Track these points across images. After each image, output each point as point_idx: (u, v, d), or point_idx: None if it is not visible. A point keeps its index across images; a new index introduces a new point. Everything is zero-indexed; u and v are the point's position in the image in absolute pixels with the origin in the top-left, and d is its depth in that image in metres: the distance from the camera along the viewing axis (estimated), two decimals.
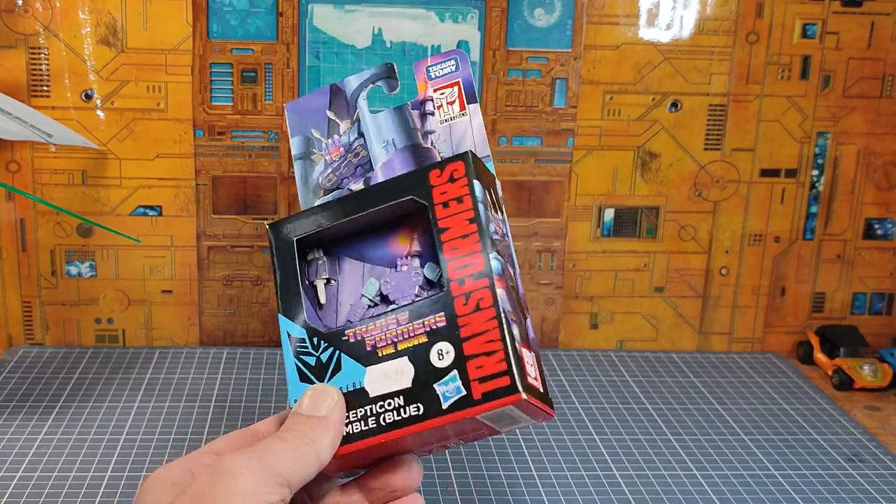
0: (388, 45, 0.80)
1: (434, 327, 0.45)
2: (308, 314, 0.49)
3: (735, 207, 0.86)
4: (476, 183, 0.47)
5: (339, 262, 0.51)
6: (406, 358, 0.45)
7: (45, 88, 0.78)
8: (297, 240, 0.50)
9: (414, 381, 0.44)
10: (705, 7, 0.82)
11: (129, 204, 0.81)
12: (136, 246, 0.82)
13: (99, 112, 0.79)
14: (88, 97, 0.79)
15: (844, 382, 0.82)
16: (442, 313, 0.45)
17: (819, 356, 0.86)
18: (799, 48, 0.83)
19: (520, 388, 0.42)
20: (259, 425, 0.48)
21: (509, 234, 0.49)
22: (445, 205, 0.47)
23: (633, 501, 0.62)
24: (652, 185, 0.85)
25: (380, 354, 0.46)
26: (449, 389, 0.44)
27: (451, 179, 0.47)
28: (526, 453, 0.68)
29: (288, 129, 0.55)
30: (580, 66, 0.82)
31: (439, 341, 0.44)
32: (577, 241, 0.86)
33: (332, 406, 0.45)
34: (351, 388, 0.46)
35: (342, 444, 0.45)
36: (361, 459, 0.46)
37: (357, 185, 0.52)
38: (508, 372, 0.43)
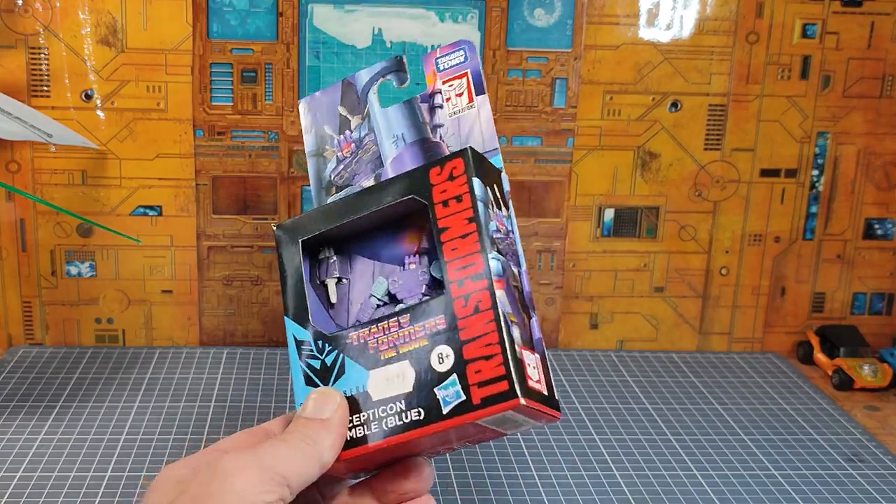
0: (388, 45, 0.80)
1: (434, 330, 0.44)
2: (318, 314, 0.49)
3: (735, 207, 0.86)
4: (476, 181, 0.46)
5: (351, 260, 0.51)
6: (407, 361, 0.45)
7: (45, 88, 0.78)
8: (304, 240, 0.49)
9: (415, 385, 0.44)
10: (705, 7, 0.82)
11: (129, 204, 0.81)
12: (136, 246, 0.82)
13: (99, 112, 0.79)
14: (88, 97, 0.79)
15: (844, 382, 0.82)
16: (442, 316, 0.44)
17: (819, 356, 0.86)
18: (799, 48, 0.83)
19: (518, 392, 0.42)
20: (268, 424, 0.48)
21: (516, 231, 0.48)
22: (445, 204, 0.46)
23: (633, 501, 0.62)
24: (652, 185, 0.85)
25: (382, 358, 0.45)
26: (449, 394, 0.43)
27: (451, 177, 0.46)
28: (526, 453, 0.68)
29: (301, 126, 0.54)
30: (580, 66, 0.82)
31: (439, 345, 0.44)
32: (577, 241, 0.86)
33: (335, 409, 0.45)
34: (354, 392, 0.45)
35: (346, 448, 0.45)
36: (367, 463, 0.46)
37: (368, 182, 0.52)
38: (507, 377, 0.42)
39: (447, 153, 0.50)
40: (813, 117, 0.85)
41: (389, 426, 0.44)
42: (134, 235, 0.81)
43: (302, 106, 0.54)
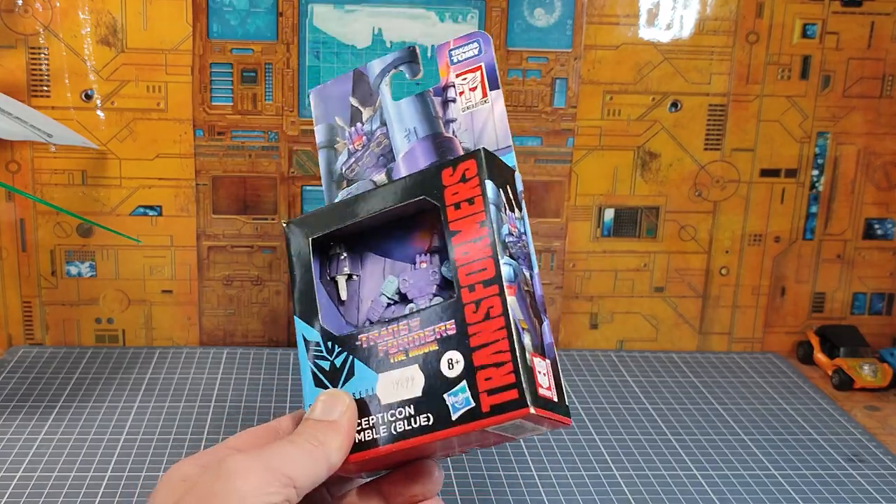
0: (388, 45, 0.80)
1: (444, 335, 0.44)
2: (328, 311, 0.48)
3: (735, 207, 0.86)
4: (489, 183, 0.45)
5: (362, 257, 0.50)
6: (417, 365, 0.44)
7: (45, 88, 0.78)
8: (314, 238, 0.49)
9: (424, 390, 0.44)
10: (705, 7, 0.82)
11: (129, 204, 0.81)
12: (136, 246, 0.82)
13: (99, 112, 0.79)
14: (88, 97, 0.79)
15: (844, 382, 0.82)
16: (452, 321, 0.44)
17: (819, 356, 0.86)
18: (799, 48, 0.83)
19: (528, 401, 0.41)
20: (277, 422, 0.48)
21: (528, 233, 0.48)
22: (457, 206, 0.45)
23: (633, 501, 0.62)
24: (652, 185, 0.85)
25: (392, 361, 0.45)
26: (458, 400, 0.43)
27: (463, 179, 0.46)
28: (526, 453, 0.68)
29: (313, 117, 0.53)
30: (580, 66, 0.82)
31: (449, 350, 0.44)
32: (577, 241, 0.86)
33: (344, 411, 0.45)
34: (363, 395, 0.45)
35: (354, 451, 0.45)
36: (376, 465, 0.46)
37: (379, 176, 0.51)
38: (517, 385, 0.42)
39: (459, 149, 0.50)
40: (813, 117, 0.85)
41: (398, 430, 0.44)
42: (134, 235, 0.81)
43: (312, 96, 0.53)
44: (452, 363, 0.43)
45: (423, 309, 0.45)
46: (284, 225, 0.50)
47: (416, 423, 0.43)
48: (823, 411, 0.77)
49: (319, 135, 0.53)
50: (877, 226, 0.88)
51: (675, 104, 0.83)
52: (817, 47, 0.84)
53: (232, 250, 0.83)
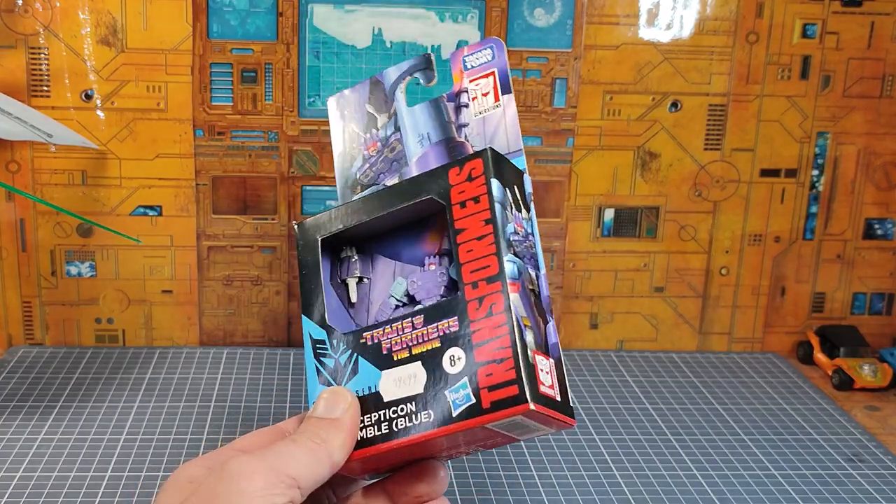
0: (388, 45, 0.80)
1: (447, 332, 0.44)
2: (337, 313, 0.48)
3: (735, 207, 0.86)
4: (494, 182, 0.45)
5: (373, 259, 0.51)
6: (420, 363, 0.44)
7: (45, 88, 0.78)
8: (325, 239, 0.49)
9: (426, 387, 0.44)
10: (705, 7, 0.82)
11: (129, 204, 0.81)
12: (136, 246, 0.82)
13: (99, 112, 0.79)
14: (88, 97, 0.79)
15: (844, 382, 0.82)
16: (455, 318, 0.44)
17: (819, 356, 0.86)
18: (799, 48, 0.83)
19: (528, 398, 0.41)
20: (283, 424, 0.48)
21: (536, 234, 0.48)
22: (463, 205, 0.46)
23: (633, 501, 0.62)
24: (652, 185, 0.85)
25: (395, 359, 0.45)
26: (459, 397, 0.43)
27: (470, 178, 0.46)
28: (526, 453, 0.68)
29: (329, 123, 0.54)
30: (580, 66, 0.82)
31: (452, 347, 0.44)
32: (577, 241, 0.86)
33: (347, 408, 0.45)
34: (366, 392, 0.45)
35: (356, 448, 0.45)
36: (379, 463, 0.46)
37: (393, 181, 0.51)
38: (517, 381, 0.42)
39: (471, 153, 0.50)
40: (813, 117, 0.85)
41: (399, 427, 0.44)
42: (134, 235, 0.81)
43: (331, 103, 0.54)
44: (454, 360, 0.43)
45: (426, 307, 0.45)
46: (295, 225, 0.50)
47: (417, 419, 0.43)
48: (823, 411, 0.77)
49: (335, 141, 0.53)
50: (877, 226, 0.88)
51: (675, 104, 0.83)
52: (817, 47, 0.84)
53: (232, 250, 0.83)
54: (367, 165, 0.52)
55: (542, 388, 0.43)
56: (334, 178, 0.81)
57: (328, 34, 0.79)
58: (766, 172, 0.86)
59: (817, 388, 0.81)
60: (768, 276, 0.88)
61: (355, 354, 0.46)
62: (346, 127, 0.53)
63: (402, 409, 0.44)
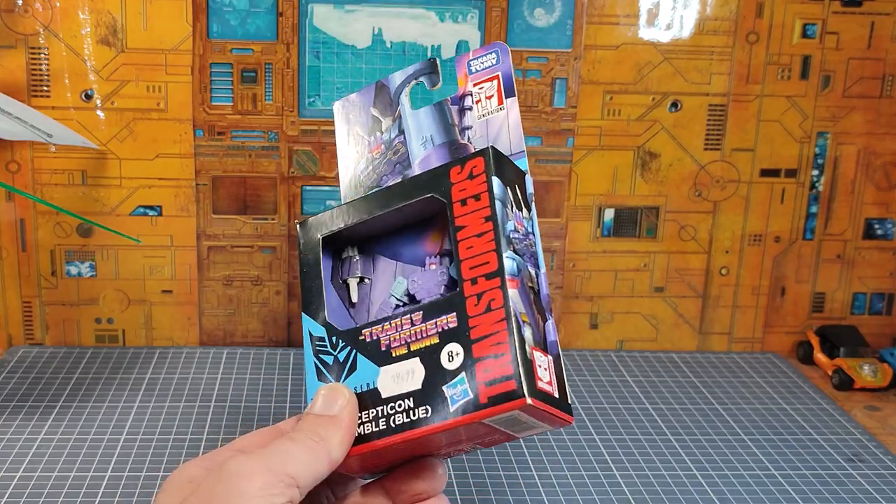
0: (388, 45, 0.80)
1: (446, 328, 0.44)
2: (337, 312, 0.49)
3: (735, 207, 0.86)
4: (495, 179, 0.46)
5: (374, 260, 0.51)
6: (418, 359, 0.44)
7: (45, 88, 0.78)
8: (328, 238, 0.49)
9: (424, 382, 0.44)
10: (705, 7, 0.82)
11: (129, 204, 0.81)
12: (136, 246, 0.82)
13: (99, 112, 0.79)
14: (88, 97, 0.79)
15: (844, 382, 0.82)
16: (454, 314, 0.44)
17: (819, 356, 0.86)
18: (799, 48, 0.83)
19: (525, 392, 0.41)
20: (282, 424, 0.48)
21: (537, 233, 0.48)
22: (463, 202, 0.46)
23: (633, 501, 0.62)
24: (652, 185, 0.85)
25: (393, 355, 0.45)
26: (457, 392, 0.43)
27: (471, 176, 0.46)
28: (526, 453, 0.68)
29: (335, 127, 0.54)
30: (580, 66, 0.82)
31: (450, 342, 0.44)
32: (577, 241, 0.86)
33: (345, 405, 0.44)
34: (364, 389, 0.45)
35: (354, 444, 0.45)
36: (377, 460, 0.46)
37: (395, 182, 0.52)
38: (514, 376, 0.42)
39: (473, 152, 0.50)
40: (813, 117, 0.85)
41: (397, 423, 0.44)
42: (134, 235, 0.81)
43: (336, 107, 0.54)
44: (452, 356, 0.44)
45: (425, 303, 0.46)
46: (297, 224, 0.51)
47: (414, 415, 0.44)
48: (823, 411, 0.77)
49: (340, 144, 0.54)
50: (877, 226, 0.88)
51: (675, 104, 0.83)
52: (817, 47, 0.84)
53: (232, 250, 0.83)
54: (371, 168, 0.53)
55: (540, 384, 0.43)
56: (334, 177, 0.82)
57: (328, 34, 0.79)
58: (766, 172, 0.86)
59: (817, 388, 0.81)
60: (768, 276, 0.88)
61: (354, 351, 0.46)
62: (351, 130, 0.54)
63: (399, 406, 0.44)
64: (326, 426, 0.44)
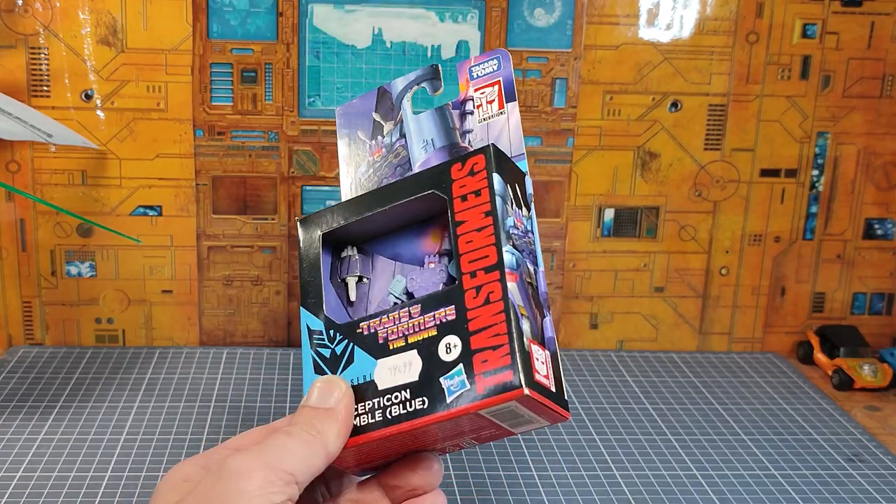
0: (388, 45, 0.80)
1: (444, 320, 0.44)
2: (336, 311, 0.49)
3: (735, 207, 0.86)
4: (496, 176, 0.46)
5: (373, 259, 0.51)
6: (415, 351, 0.45)
7: (45, 88, 0.78)
8: (328, 237, 0.50)
9: (421, 374, 0.44)
10: (705, 7, 0.82)
11: (129, 204, 0.81)
12: (136, 246, 0.82)
13: (99, 112, 0.79)
14: (88, 97, 0.79)
15: (844, 382, 0.82)
16: (452, 306, 0.44)
17: (819, 356, 0.86)
18: (799, 48, 0.83)
19: (523, 382, 0.41)
20: (277, 423, 0.48)
21: (535, 232, 0.48)
22: (464, 198, 0.46)
23: (633, 501, 0.62)
24: (652, 185, 0.85)
25: (391, 347, 0.45)
26: (454, 384, 0.43)
27: (472, 173, 0.47)
28: (526, 453, 0.68)
29: (336, 130, 0.55)
30: (580, 66, 0.82)
31: (448, 335, 0.44)
32: (577, 241, 0.86)
33: (341, 397, 0.44)
34: (361, 381, 0.45)
35: (351, 436, 0.44)
36: (373, 453, 0.46)
37: None
38: (512, 366, 0.42)
39: (474, 150, 0.51)
40: (813, 117, 0.85)
41: (393, 415, 0.44)
42: (134, 235, 0.81)
43: (338, 112, 0.55)
44: (450, 347, 0.44)
45: (424, 296, 0.46)
46: (297, 221, 0.51)
47: (411, 406, 0.44)
48: (823, 411, 0.77)
49: (341, 148, 0.54)
50: (877, 226, 0.88)
51: (675, 104, 0.83)
52: (817, 47, 0.84)
53: (232, 250, 0.83)
54: (371, 170, 0.53)
55: (538, 377, 0.43)
56: (334, 177, 0.82)
57: (328, 34, 0.79)
58: (766, 172, 0.86)
59: (817, 388, 0.81)
60: (768, 276, 0.88)
61: (351, 344, 0.46)
62: (353, 134, 0.54)
63: (396, 397, 0.44)
64: (323, 419, 0.44)
